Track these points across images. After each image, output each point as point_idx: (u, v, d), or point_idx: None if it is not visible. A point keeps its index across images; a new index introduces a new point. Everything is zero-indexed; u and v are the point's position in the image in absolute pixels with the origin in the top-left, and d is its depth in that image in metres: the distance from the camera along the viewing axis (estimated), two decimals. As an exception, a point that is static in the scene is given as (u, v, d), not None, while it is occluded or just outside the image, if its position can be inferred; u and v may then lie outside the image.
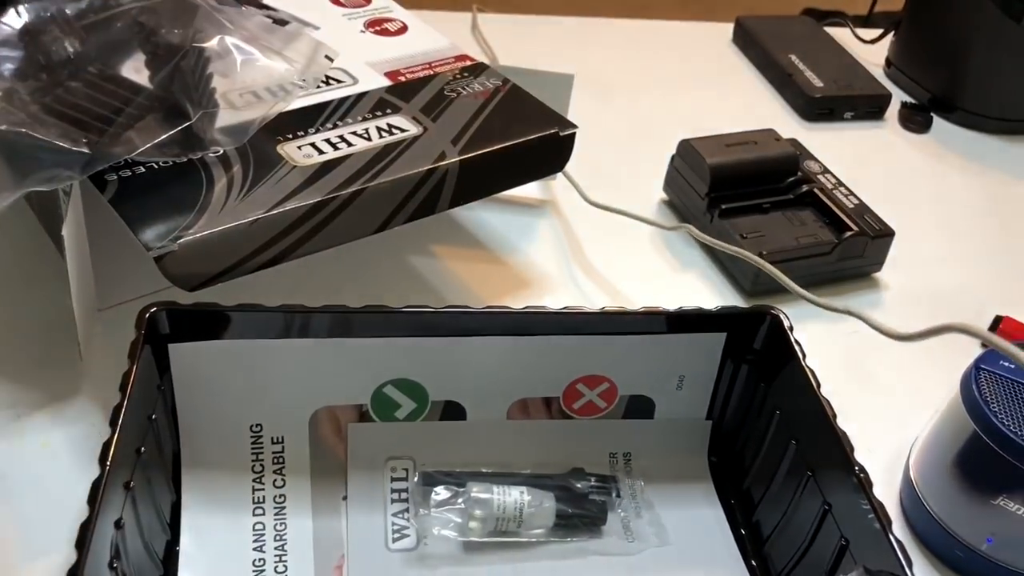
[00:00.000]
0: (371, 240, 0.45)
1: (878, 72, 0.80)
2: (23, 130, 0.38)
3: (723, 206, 0.56)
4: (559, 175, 0.58)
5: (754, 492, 0.41)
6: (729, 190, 0.57)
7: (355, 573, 0.37)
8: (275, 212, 0.40)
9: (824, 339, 0.51)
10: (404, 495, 0.40)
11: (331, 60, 0.45)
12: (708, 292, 0.54)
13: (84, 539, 0.29)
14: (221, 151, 0.43)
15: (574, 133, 0.48)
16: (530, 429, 0.41)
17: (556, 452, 0.41)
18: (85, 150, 0.38)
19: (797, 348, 0.38)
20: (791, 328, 0.39)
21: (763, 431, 0.40)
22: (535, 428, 0.41)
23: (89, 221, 0.42)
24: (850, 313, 0.43)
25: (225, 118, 0.43)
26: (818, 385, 0.37)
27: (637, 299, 0.53)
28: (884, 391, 0.49)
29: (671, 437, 0.42)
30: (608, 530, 0.40)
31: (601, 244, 0.57)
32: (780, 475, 0.39)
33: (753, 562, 0.39)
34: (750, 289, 0.54)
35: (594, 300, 0.52)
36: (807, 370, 0.37)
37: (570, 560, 0.38)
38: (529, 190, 0.60)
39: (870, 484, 0.33)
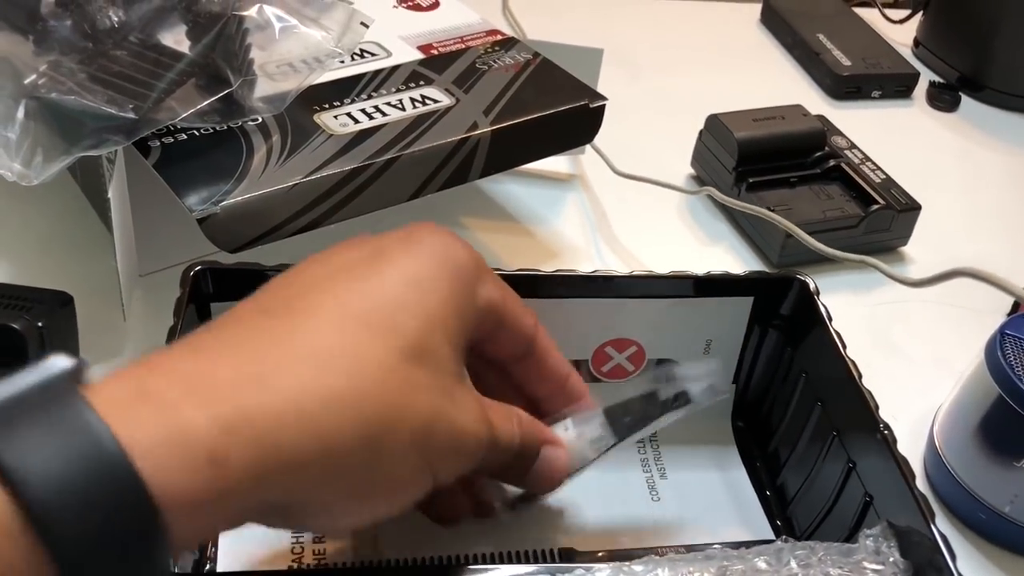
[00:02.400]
0: (403, 210, 0.46)
1: (906, 52, 0.80)
2: (72, 97, 0.39)
3: (751, 180, 0.57)
4: (587, 149, 0.59)
5: (780, 455, 0.41)
6: (757, 164, 0.57)
7: (389, 525, 0.38)
8: (312, 178, 0.41)
9: (849, 309, 0.52)
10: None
11: (367, 26, 0.46)
12: (735, 263, 0.55)
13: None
14: (260, 119, 0.44)
15: (604, 105, 0.49)
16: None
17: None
18: (131, 115, 0.39)
19: (824, 312, 0.39)
20: (817, 293, 0.40)
21: (789, 394, 0.41)
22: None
23: (131, 189, 0.44)
24: (865, 262, 0.44)
25: (264, 87, 0.44)
26: (844, 347, 0.37)
27: (663, 269, 0.53)
28: (908, 360, 0.50)
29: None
30: (633, 492, 0.41)
31: (628, 216, 0.57)
32: (805, 437, 0.39)
33: (778, 522, 0.40)
34: (776, 261, 0.54)
35: (620, 270, 0.53)
36: (834, 333, 0.38)
37: (594, 511, 0.39)
38: (557, 163, 0.61)
39: (894, 440, 0.34)
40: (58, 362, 0.22)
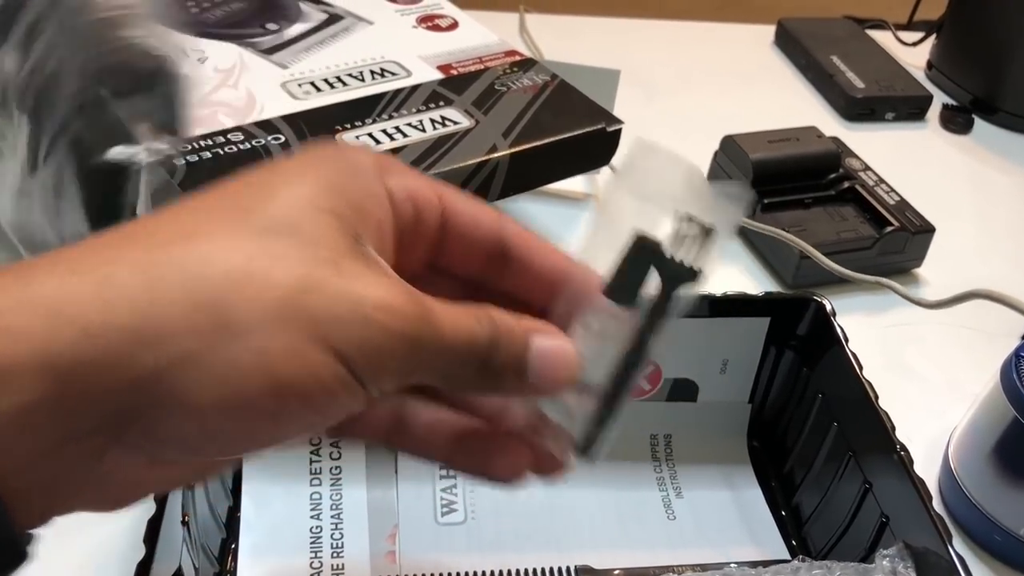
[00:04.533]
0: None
1: (919, 74, 0.80)
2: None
3: (765, 200, 0.57)
4: (605, 169, 0.60)
5: (795, 475, 0.42)
6: (771, 185, 0.58)
7: (407, 542, 0.38)
8: (335, 196, 0.41)
9: (863, 330, 0.52)
10: (452, 472, 0.41)
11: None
12: (749, 283, 0.55)
13: (163, 496, 0.31)
14: (283, 139, 0.45)
15: (620, 129, 0.50)
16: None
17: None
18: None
19: (840, 333, 0.39)
20: (834, 314, 0.40)
21: (805, 415, 0.41)
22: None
23: (155, 208, 0.45)
24: (880, 283, 0.44)
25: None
26: (860, 368, 0.38)
27: (679, 290, 0.54)
28: (922, 382, 0.50)
29: (711, 420, 0.44)
30: (649, 510, 0.41)
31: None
32: (821, 457, 0.40)
33: (793, 542, 0.40)
34: (791, 281, 0.55)
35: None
36: (850, 354, 0.38)
37: (610, 529, 0.40)
38: (573, 183, 0.62)
39: (911, 462, 0.34)
40: None
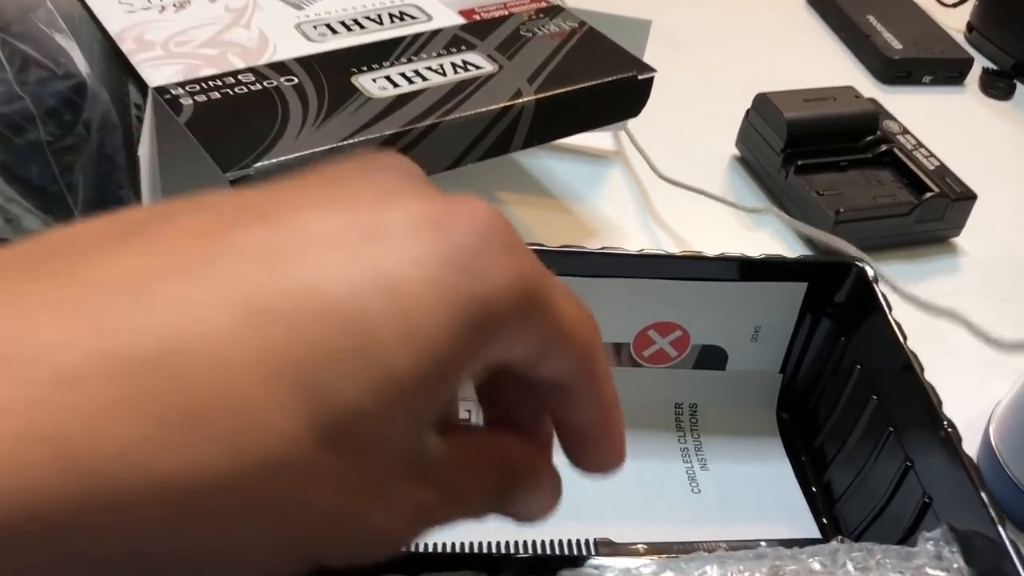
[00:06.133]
0: (438, 183, 0.44)
1: (959, 37, 0.77)
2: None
3: (799, 162, 0.54)
4: (632, 123, 0.57)
5: (827, 450, 0.40)
6: (806, 146, 0.55)
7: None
8: (350, 142, 0.39)
9: (898, 300, 0.49)
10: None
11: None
12: (780, 248, 0.53)
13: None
14: (296, 80, 0.42)
15: (652, 77, 0.47)
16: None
17: (622, 402, 0.40)
18: None
19: (883, 301, 0.37)
20: (876, 280, 0.38)
21: (840, 387, 0.39)
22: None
23: (160, 149, 0.42)
24: (955, 316, 0.41)
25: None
26: (904, 338, 0.35)
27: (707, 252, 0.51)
28: (959, 355, 0.48)
29: (740, 390, 0.41)
30: (672, 482, 0.39)
31: (669, 197, 0.55)
32: (857, 432, 0.37)
33: (824, 520, 0.38)
34: (823, 248, 0.52)
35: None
36: (893, 323, 0.36)
37: (632, 501, 0.38)
38: (599, 140, 0.59)
39: (959, 439, 0.32)
40: None
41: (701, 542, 0.36)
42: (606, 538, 0.36)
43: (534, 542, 0.35)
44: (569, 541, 0.36)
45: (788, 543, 0.34)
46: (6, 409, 0.15)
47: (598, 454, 0.25)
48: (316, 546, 0.18)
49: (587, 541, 0.36)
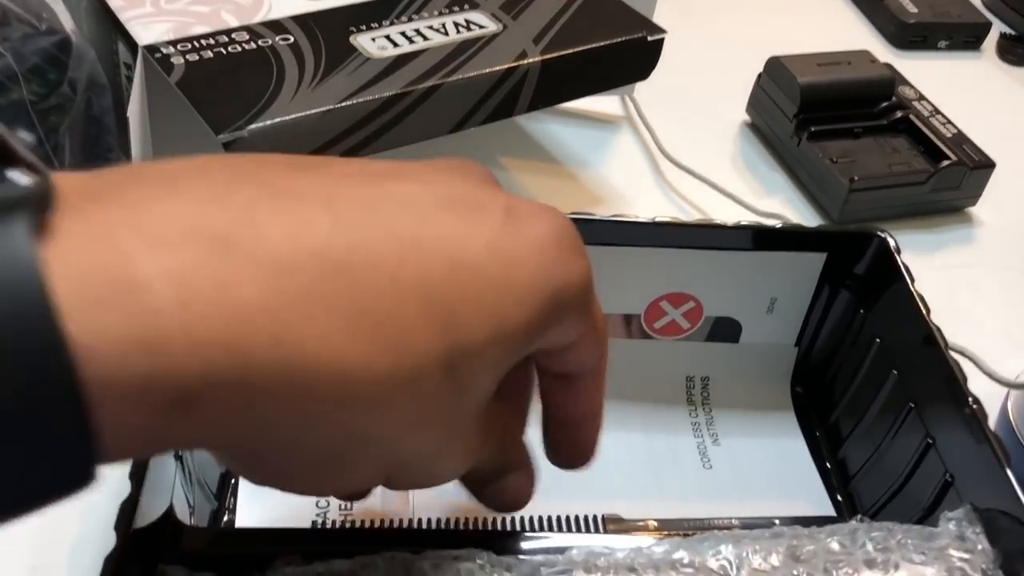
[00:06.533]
0: (440, 148, 0.42)
1: (976, 1, 0.75)
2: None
3: (812, 128, 0.53)
4: (640, 86, 0.55)
5: (843, 426, 0.38)
6: (819, 112, 0.53)
7: (419, 500, 0.35)
8: (348, 104, 0.37)
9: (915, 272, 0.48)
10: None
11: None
12: (792, 217, 0.51)
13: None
14: (291, 39, 0.40)
15: (662, 38, 0.45)
16: (609, 348, 0.39)
17: (631, 375, 0.39)
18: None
19: (905, 272, 0.35)
20: (898, 251, 0.36)
21: (858, 361, 0.37)
22: (613, 347, 0.39)
23: (151, 109, 0.40)
24: (963, 354, 0.40)
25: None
26: (928, 311, 0.34)
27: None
28: (977, 328, 0.46)
29: (753, 363, 0.40)
30: (683, 457, 0.38)
31: (680, 166, 0.54)
32: (875, 408, 0.36)
33: (839, 497, 0.37)
34: (838, 217, 0.51)
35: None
36: (916, 295, 0.35)
37: (642, 477, 0.37)
38: (606, 105, 0.57)
39: (984, 416, 0.31)
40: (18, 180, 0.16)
41: (713, 519, 0.35)
42: (615, 514, 0.35)
43: (540, 518, 0.34)
44: (577, 517, 0.35)
45: (803, 521, 0.33)
46: (228, 281, 0.17)
47: (576, 446, 0.28)
48: (401, 465, 0.22)
49: (595, 517, 0.35)
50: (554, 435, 0.28)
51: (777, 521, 0.35)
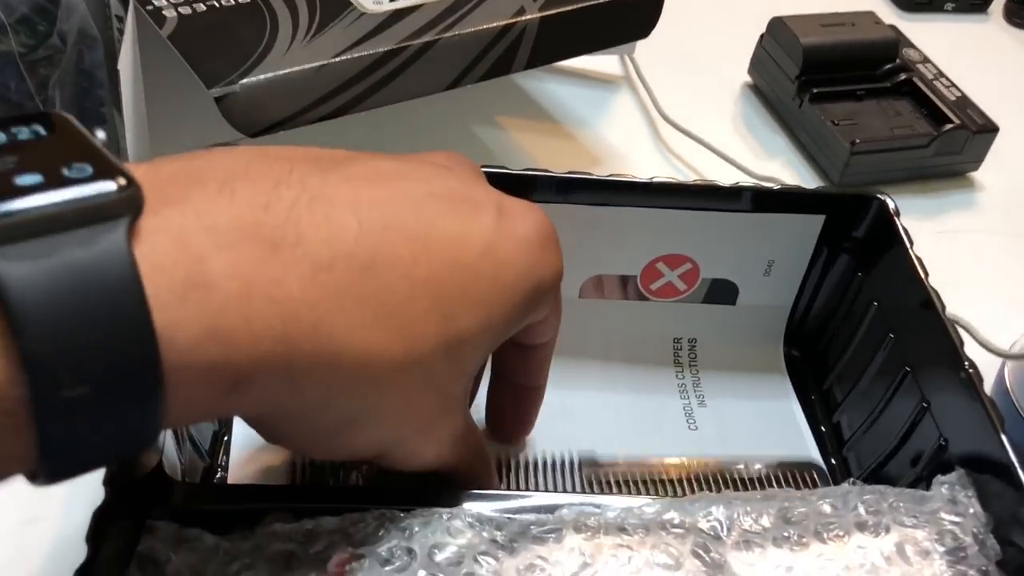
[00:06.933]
0: (435, 106, 0.42)
1: (982, -38, 0.73)
2: None
3: (814, 90, 0.52)
4: (640, 45, 0.54)
5: (838, 390, 0.38)
6: (822, 74, 0.52)
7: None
8: (343, 59, 0.37)
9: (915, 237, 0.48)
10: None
11: None
12: (791, 179, 0.51)
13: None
14: (285, -8, 0.40)
15: (664, -5, 0.44)
16: (603, 310, 0.39)
17: (620, 337, 0.39)
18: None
19: (905, 236, 0.35)
20: (898, 214, 0.36)
21: (855, 324, 0.37)
22: (608, 309, 0.39)
23: (143, 63, 0.40)
24: (959, 324, 0.39)
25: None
26: (926, 275, 0.34)
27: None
28: (976, 294, 0.46)
29: (747, 325, 0.40)
30: (668, 418, 0.38)
31: (678, 126, 0.53)
32: (871, 371, 0.36)
33: (832, 461, 0.37)
34: (838, 180, 0.50)
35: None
36: (915, 259, 0.34)
37: (626, 436, 0.37)
38: (605, 64, 0.56)
39: (980, 381, 0.30)
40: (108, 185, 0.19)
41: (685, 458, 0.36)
42: (590, 452, 0.35)
43: (519, 460, 0.34)
44: (553, 457, 0.35)
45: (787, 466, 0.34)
46: (280, 279, 0.20)
47: (520, 416, 0.34)
48: (398, 438, 0.25)
49: (571, 457, 0.35)
50: (503, 405, 0.34)
51: (759, 465, 0.36)
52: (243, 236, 0.20)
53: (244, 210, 0.21)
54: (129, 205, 0.19)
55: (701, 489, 0.35)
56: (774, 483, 0.36)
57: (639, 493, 0.35)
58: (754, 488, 0.35)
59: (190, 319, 0.19)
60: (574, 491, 0.34)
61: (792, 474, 0.36)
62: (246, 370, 0.20)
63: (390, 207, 0.23)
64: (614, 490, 0.35)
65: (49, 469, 0.19)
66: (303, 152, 0.24)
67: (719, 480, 0.35)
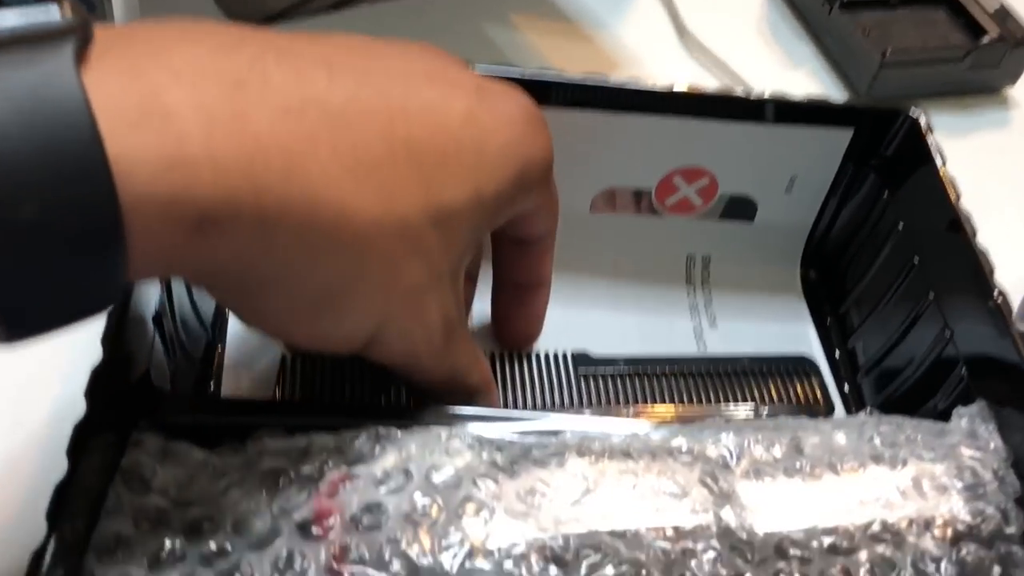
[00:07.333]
0: (444, 2, 0.39)
1: None
2: None
3: (845, -4, 0.49)
4: None
5: (854, 315, 0.37)
6: (854, -20, 0.49)
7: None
8: (345, -54, 0.34)
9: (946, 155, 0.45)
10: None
11: None
12: (816, 91, 0.48)
13: (128, 290, 0.26)
14: None
15: None
16: (614, 225, 0.37)
17: (631, 253, 0.38)
18: None
19: (937, 154, 0.33)
20: (930, 130, 0.34)
21: (879, 246, 0.35)
22: (619, 224, 0.37)
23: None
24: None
25: None
26: (958, 196, 0.32)
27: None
28: (1001, 216, 0.44)
29: (764, 244, 0.38)
30: (677, 338, 0.36)
31: (698, 29, 0.50)
32: (893, 296, 0.34)
33: (846, 388, 0.36)
34: (865, 92, 0.48)
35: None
36: (947, 179, 0.32)
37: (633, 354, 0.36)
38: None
39: (1009, 311, 0.29)
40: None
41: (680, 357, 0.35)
42: (583, 350, 0.35)
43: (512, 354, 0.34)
44: (547, 353, 0.34)
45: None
46: (246, 114, 0.19)
47: (526, 317, 0.33)
48: (385, 318, 0.23)
49: (564, 353, 0.34)
50: (508, 307, 0.33)
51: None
52: (203, 75, 0.19)
53: (204, 55, 0.19)
54: (75, 31, 0.18)
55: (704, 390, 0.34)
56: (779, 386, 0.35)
57: (640, 392, 0.34)
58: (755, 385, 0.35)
59: (147, 147, 0.18)
60: (571, 405, 0.33)
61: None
62: (212, 209, 0.19)
63: (364, 72, 0.22)
64: (611, 394, 0.34)
65: (6, 318, 0.18)
66: (278, 31, 0.23)
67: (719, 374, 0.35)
